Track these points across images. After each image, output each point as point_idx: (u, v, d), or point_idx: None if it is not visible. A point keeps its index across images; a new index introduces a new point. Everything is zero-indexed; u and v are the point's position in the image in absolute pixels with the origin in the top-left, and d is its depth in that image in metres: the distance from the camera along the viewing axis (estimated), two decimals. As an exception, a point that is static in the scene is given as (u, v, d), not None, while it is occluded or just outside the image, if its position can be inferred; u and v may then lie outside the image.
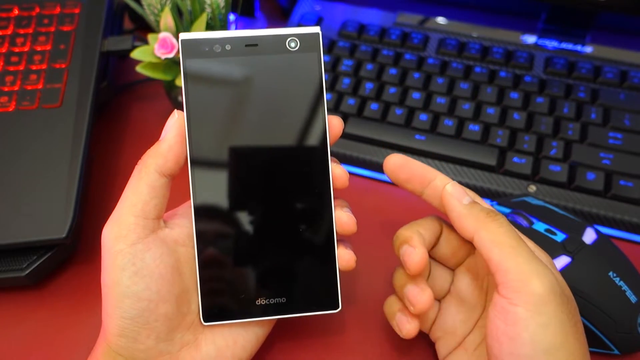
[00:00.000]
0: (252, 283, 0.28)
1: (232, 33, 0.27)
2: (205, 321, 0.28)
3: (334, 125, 0.28)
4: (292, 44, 0.28)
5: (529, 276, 0.24)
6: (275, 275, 0.28)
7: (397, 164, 0.30)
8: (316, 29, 0.28)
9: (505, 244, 0.25)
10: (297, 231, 0.28)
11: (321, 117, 0.28)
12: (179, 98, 0.44)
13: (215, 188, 0.28)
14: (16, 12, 0.46)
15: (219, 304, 0.28)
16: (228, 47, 0.27)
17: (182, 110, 0.27)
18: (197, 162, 0.28)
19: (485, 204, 0.29)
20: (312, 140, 0.28)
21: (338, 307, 0.29)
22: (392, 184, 0.35)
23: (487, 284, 0.29)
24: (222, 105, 0.28)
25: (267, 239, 0.28)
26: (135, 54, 0.41)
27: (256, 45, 0.27)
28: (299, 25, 0.52)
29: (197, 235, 0.28)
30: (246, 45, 0.27)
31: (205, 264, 0.28)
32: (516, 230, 0.27)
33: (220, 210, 0.28)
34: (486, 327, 0.26)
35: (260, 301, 0.28)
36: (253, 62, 0.28)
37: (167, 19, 0.40)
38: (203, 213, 0.28)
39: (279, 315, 0.29)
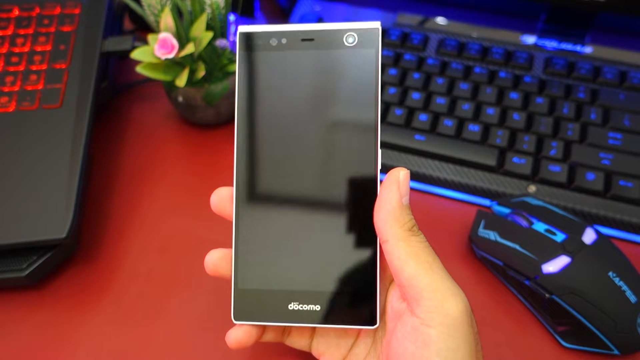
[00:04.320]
0: (287, 287, 0.27)
1: (290, 27, 0.27)
2: (235, 320, 0.27)
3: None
4: (350, 39, 0.27)
5: (444, 296, 0.23)
6: (311, 282, 0.27)
7: None
8: (376, 24, 0.27)
9: (421, 258, 0.24)
10: (338, 239, 0.27)
11: (373, 116, 0.27)
12: (179, 99, 0.44)
13: (261, 187, 0.27)
14: (16, 12, 0.46)
15: (251, 304, 0.27)
16: (284, 41, 0.27)
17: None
18: (244, 159, 0.27)
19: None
20: (362, 141, 0.27)
21: (375, 324, 0.27)
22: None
23: None
24: (273, 99, 0.27)
25: (306, 244, 0.27)
26: (135, 55, 0.41)
27: (312, 40, 0.27)
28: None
29: (236, 233, 0.27)
30: (302, 40, 0.27)
31: (242, 262, 0.28)
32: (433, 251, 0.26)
33: (261, 208, 0.27)
34: (389, 346, 0.26)
35: (293, 306, 0.27)
36: (308, 57, 0.27)
37: (167, 19, 0.40)
38: (244, 209, 0.27)
39: (311, 323, 0.27)
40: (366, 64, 0.27)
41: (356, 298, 0.27)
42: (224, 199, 0.29)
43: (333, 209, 0.27)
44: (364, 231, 0.27)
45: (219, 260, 0.28)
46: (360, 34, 0.27)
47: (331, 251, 0.27)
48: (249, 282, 0.27)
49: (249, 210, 0.27)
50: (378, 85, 0.27)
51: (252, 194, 0.27)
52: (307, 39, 0.27)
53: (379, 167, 0.27)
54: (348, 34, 0.27)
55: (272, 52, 0.27)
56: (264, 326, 0.29)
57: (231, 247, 0.28)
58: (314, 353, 0.30)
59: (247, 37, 0.27)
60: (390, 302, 0.27)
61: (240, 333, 0.28)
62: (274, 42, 0.27)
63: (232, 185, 0.28)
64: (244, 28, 0.27)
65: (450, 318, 0.23)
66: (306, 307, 0.27)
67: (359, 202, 0.27)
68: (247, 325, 0.28)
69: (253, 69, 0.27)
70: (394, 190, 0.25)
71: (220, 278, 0.29)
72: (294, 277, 0.27)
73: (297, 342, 0.30)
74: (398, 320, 0.26)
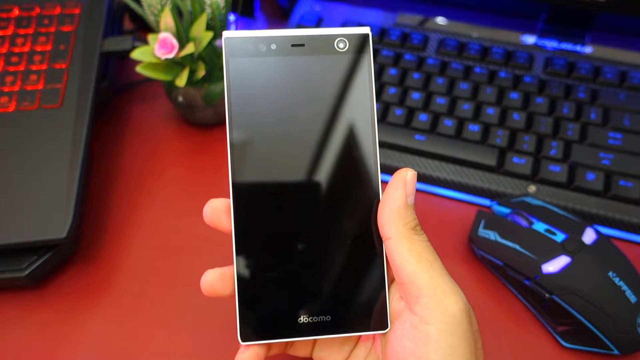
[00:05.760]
0: (295, 300, 0.26)
1: (278, 32, 0.26)
2: (242, 341, 0.26)
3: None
4: (341, 45, 0.26)
5: (443, 293, 0.24)
6: (319, 292, 0.26)
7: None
8: (366, 30, 0.27)
9: (423, 257, 0.24)
10: (343, 245, 0.26)
11: (370, 121, 0.26)
12: (179, 99, 0.44)
13: (257, 198, 0.26)
14: (16, 12, 0.46)
15: (258, 323, 0.26)
16: (273, 46, 0.26)
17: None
18: (238, 169, 0.26)
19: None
20: (360, 148, 0.26)
21: (387, 328, 0.26)
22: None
23: None
24: (265, 106, 0.26)
25: (312, 253, 0.26)
26: (135, 55, 0.41)
27: (303, 45, 0.26)
28: (298, 26, 0.52)
29: (237, 248, 0.26)
30: (292, 45, 0.26)
31: (245, 279, 0.26)
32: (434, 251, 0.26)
33: (261, 222, 0.26)
34: (388, 345, 0.25)
35: (303, 319, 0.26)
36: (299, 63, 0.26)
37: (167, 19, 0.40)
38: (243, 225, 0.26)
39: (323, 335, 0.26)
40: (358, 69, 0.27)
41: (367, 304, 0.26)
42: (217, 211, 0.27)
43: (336, 215, 0.27)
44: (369, 235, 0.27)
45: (216, 282, 0.27)
46: (351, 39, 0.26)
47: (337, 258, 0.27)
48: (254, 299, 0.26)
49: (248, 223, 0.26)
50: (372, 90, 0.26)
51: (250, 206, 0.26)
52: (298, 44, 0.26)
53: (380, 171, 0.27)
54: (339, 39, 0.26)
55: (261, 58, 0.26)
56: (272, 343, 0.27)
57: (231, 252, 0.27)
58: (316, 359, 0.29)
59: (234, 43, 0.26)
60: (390, 302, 0.27)
61: (248, 357, 0.26)
62: (262, 47, 0.26)
63: (226, 194, 0.27)
64: (229, 33, 0.26)
65: (449, 315, 0.23)
66: (317, 319, 0.26)
67: (362, 206, 0.27)
68: (255, 345, 0.26)
69: (242, 76, 0.26)
70: (400, 188, 0.25)
71: (219, 299, 0.28)
72: (302, 290, 0.27)
73: (300, 351, 0.29)
74: (397, 319, 0.26)
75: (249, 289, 0.26)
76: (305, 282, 0.27)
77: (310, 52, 0.26)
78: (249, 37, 0.26)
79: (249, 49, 0.26)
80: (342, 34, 0.27)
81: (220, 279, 0.27)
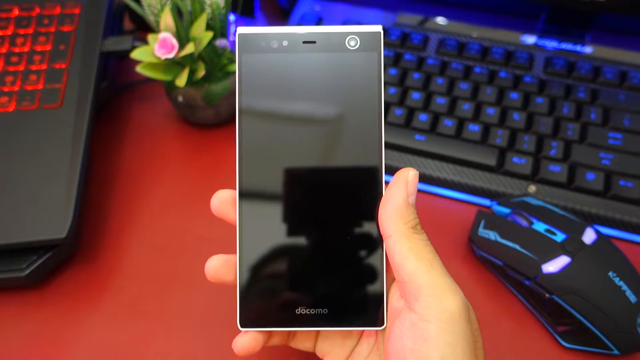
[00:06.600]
0: (293, 291, 0.27)
1: (291, 29, 0.27)
2: (241, 326, 0.27)
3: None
4: (352, 43, 0.27)
5: (442, 292, 0.24)
6: (318, 285, 0.27)
7: None
8: (378, 28, 0.27)
9: (422, 255, 0.25)
10: (344, 241, 0.27)
11: (377, 119, 0.27)
12: (179, 99, 0.44)
13: (262, 190, 0.27)
14: (16, 12, 0.46)
15: (257, 310, 0.27)
16: (285, 43, 0.27)
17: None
18: (245, 161, 0.27)
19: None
20: (365, 146, 0.27)
21: (383, 325, 0.27)
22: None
23: None
24: (274, 101, 0.27)
25: (313, 247, 0.27)
26: (135, 55, 0.41)
27: (314, 42, 0.27)
28: (299, 25, 0.52)
29: (241, 238, 0.27)
30: (304, 42, 0.27)
31: (246, 267, 0.27)
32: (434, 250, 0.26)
33: (266, 215, 0.27)
34: (387, 343, 0.26)
35: (301, 311, 0.27)
36: (310, 59, 0.27)
37: (167, 19, 0.40)
38: (249, 215, 0.27)
39: (319, 327, 0.27)
40: (368, 68, 0.27)
41: (364, 300, 0.27)
42: (224, 202, 0.28)
43: (338, 212, 0.27)
44: (370, 233, 0.27)
45: (220, 267, 0.28)
46: (362, 37, 0.27)
47: (338, 254, 0.27)
48: (255, 288, 0.27)
49: (253, 214, 0.27)
50: (381, 89, 0.27)
51: (256, 198, 0.27)
52: (309, 41, 0.27)
53: (384, 170, 0.27)
54: (350, 37, 0.27)
55: (272, 54, 0.27)
56: (271, 331, 0.28)
57: (230, 251, 0.28)
58: (318, 353, 0.30)
59: (247, 39, 0.27)
60: (390, 301, 0.27)
61: (247, 339, 0.27)
62: (274, 44, 0.27)
63: (232, 187, 0.28)
64: (243, 29, 0.27)
65: (448, 313, 0.23)
66: (314, 312, 0.27)
67: (365, 204, 0.27)
68: (253, 331, 0.27)
69: (253, 71, 0.27)
70: (401, 188, 0.26)
71: (222, 285, 0.28)
72: (301, 282, 0.27)
73: (302, 344, 0.30)
74: (397, 318, 0.26)
75: (250, 277, 0.27)
76: (304, 274, 0.27)
77: (321, 49, 0.27)
78: (262, 33, 0.27)
79: (261, 45, 0.27)
80: (353, 32, 0.27)
81: (224, 265, 0.28)
